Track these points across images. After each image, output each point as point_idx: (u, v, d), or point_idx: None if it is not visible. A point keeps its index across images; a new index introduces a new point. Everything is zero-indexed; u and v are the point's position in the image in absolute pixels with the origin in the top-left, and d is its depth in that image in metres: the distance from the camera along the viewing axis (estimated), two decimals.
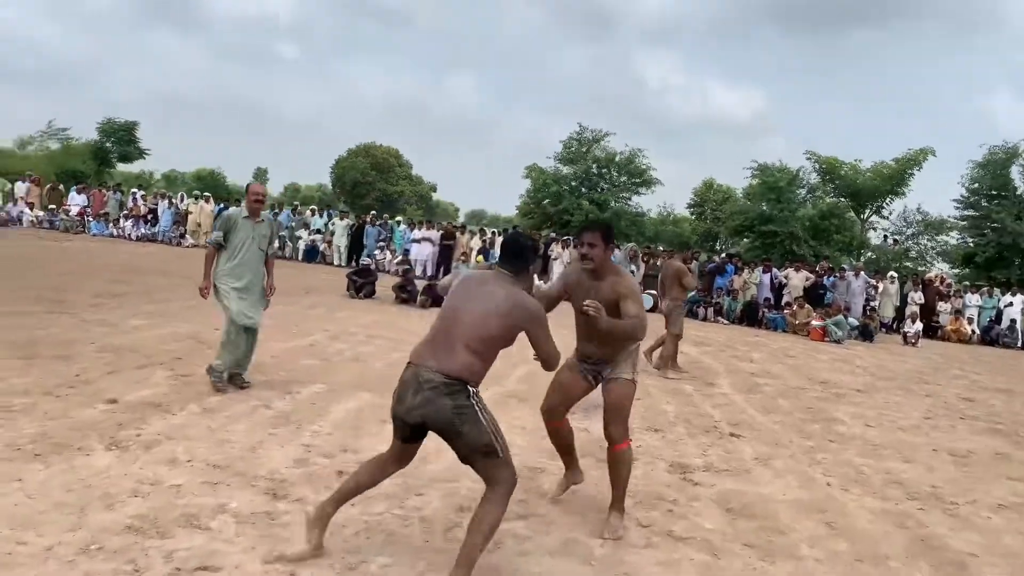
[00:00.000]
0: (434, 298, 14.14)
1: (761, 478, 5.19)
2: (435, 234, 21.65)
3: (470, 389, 3.10)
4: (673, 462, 5.36)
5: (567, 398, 4.17)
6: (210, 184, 64.60)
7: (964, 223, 30.15)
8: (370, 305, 13.51)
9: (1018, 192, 29.37)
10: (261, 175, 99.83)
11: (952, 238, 30.27)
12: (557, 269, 20.31)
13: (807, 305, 17.36)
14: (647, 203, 39.32)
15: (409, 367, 3.19)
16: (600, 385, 4.06)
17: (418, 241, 21.49)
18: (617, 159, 32.99)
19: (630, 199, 33.44)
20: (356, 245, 22.92)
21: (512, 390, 7.21)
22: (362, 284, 14.40)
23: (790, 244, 29.48)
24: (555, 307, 4.11)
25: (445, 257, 21.33)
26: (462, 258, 20.96)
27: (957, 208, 30.51)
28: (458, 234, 21.99)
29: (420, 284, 15.10)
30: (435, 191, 74.37)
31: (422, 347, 3.21)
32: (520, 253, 3.43)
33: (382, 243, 22.51)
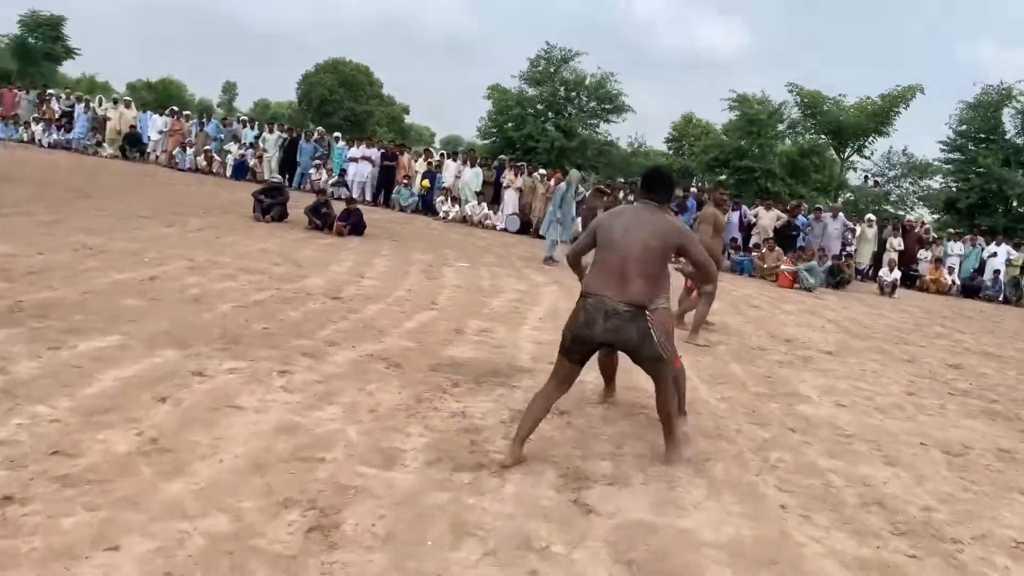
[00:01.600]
0: (354, 224, 12.45)
1: (688, 497, 3.70)
2: (375, 153, 19.68)
3: (647, 313, 3.74)
4: (568, 468, 3.85)
5: None
6: (163, 95, 61.09)
7: (949, 167, 28.81)
8: (274, 229, 11.76)
9: (1007, 136, 28.00)
10: (229, 89, 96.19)
11: (936, 182, 28.96)
12: (509, 197, 18.63)
13: (777, 248, 15.93)
14: (618, 132, 37.47)
15: (592, 297, 3.74)
16: None
17: (356, 160, 19.53)
18: (587, 82, 30.93)
19: (598, 126, 31.53)
20: (290, 162, 20.96)
21: (387, 348, 5.65)
22: (270, 205, 12.59)
23: (765, 181, 27.99)
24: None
25: (386, 179, 19.47)
26: (404, 181, 19.15)
27: (943, 151, 29.15)
28: (401, 155, 20.04)
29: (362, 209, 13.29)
30: (407, 113, 71.70)
31: (599, 279, 3.77)
32: (664, 183, 4.02)
33: (318, 161, 20.54)
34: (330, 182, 19.81)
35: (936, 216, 28.60)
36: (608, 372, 5.14)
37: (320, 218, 12.42)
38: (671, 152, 45.58)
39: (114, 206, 11.37)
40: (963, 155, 28.33)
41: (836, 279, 15.99)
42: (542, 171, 19.35)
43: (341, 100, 61.46)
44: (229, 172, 21.61)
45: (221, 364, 4.67)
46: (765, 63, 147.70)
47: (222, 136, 22.28)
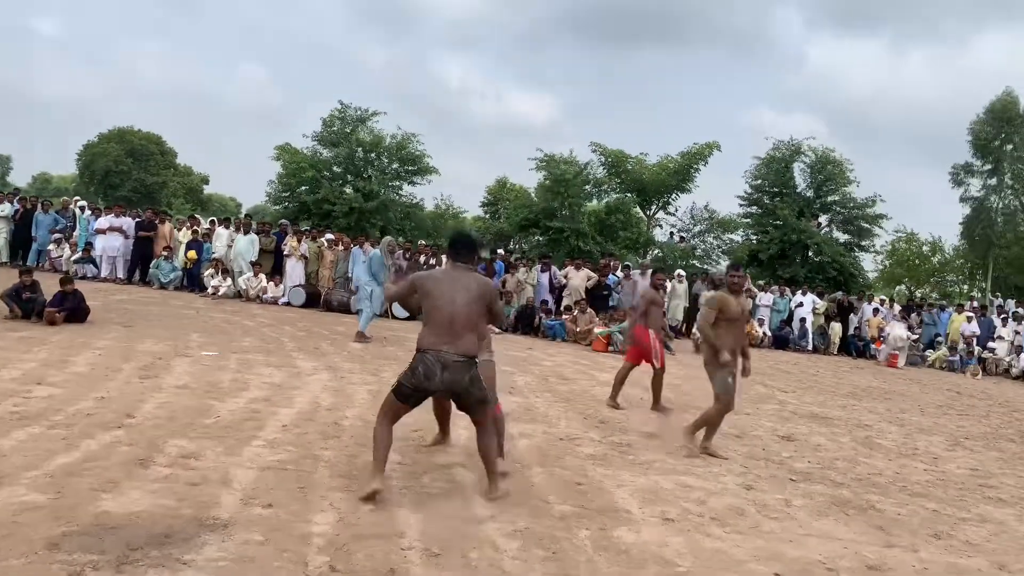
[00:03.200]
0: (71, 309, 10.04)
1: None
2: (127, 222, 16.99)
3: (475, 362, 4.50)
4: None
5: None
6: None
7: (748, 220, 30.05)
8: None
9: (798, 190, 29.68)
10: (3, 163, 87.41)
11: (738, 236, 30.05)
12: (292, 267, 16.67)
13: (590, 309, 15.04)
14: (425, 193, 36.36)
15: (430, 352, 4.37)
16: None
17: (103, 232, 16.77)
18: (387, 143, 29.63)
19: (401, 188, 30.18)
20: (23, 239, 17.80)
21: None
22: (30, 299, 9.95)
23: (576, 240, 27.74)
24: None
25: (141, 252, 16.82)
26: (165, 253, 16.62)
27: (741, 205, 30.40)
28: (162, 223, 17.49)
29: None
30: (207, 183, 67.65)
31: (434, 336, 4.40)
32: (470, 247, 4.75)
33: (59, 235, 17.56)
34: (73, 259, 16.95)
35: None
36: (442, 417, 5.67)
37: (23, 304, 9.88)
38: (487, 215, 45.28)
39: None
40: (760, 208, 29.67)
41: None
42: (329, 236, 17.57)
43: (129, 171, 57.53)
44: None
45: None
46: (577, 127, 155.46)
47: None
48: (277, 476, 4.64)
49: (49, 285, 10.47)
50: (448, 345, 4.34)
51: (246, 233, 16.95)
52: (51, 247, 17.56)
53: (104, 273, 16.71)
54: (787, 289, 19.81)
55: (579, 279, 16.04)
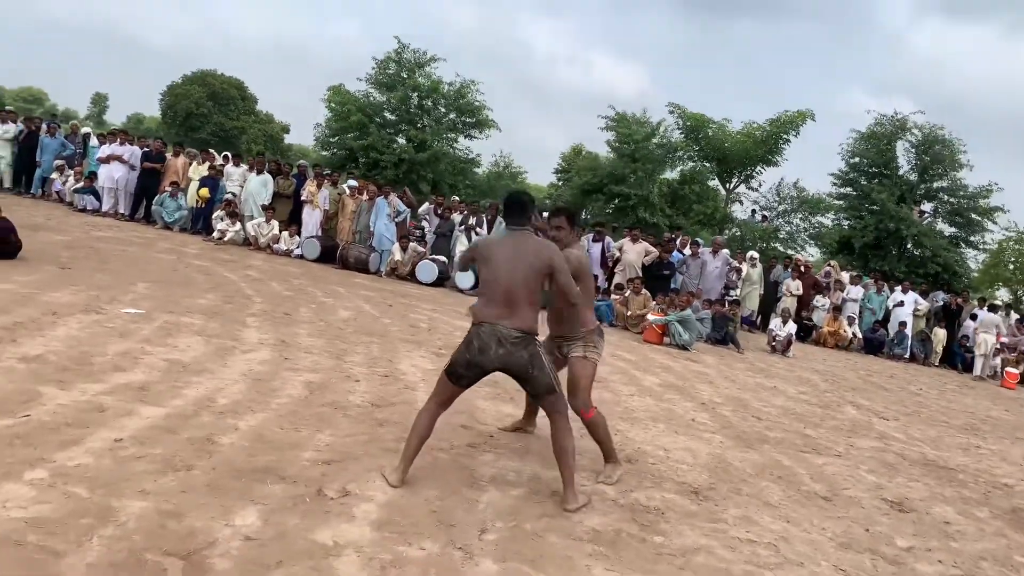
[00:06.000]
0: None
1: None
2: (130, 151, 15.20)
3: (536, 339, 4.02)
4: None
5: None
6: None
7: (841, 202, 26.92)
8: None
9: (900, 172, 26.35)
10: (99, 101, 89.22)
11: (828, 219, 26.95)
12: (308, 216, 14.75)
13: (644, 290, 12.67)
14: (481, 149, 34.30)
15: (484, 326, 3.93)
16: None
17: (106, 161, 15.06)
18: (444, 89, 27.45)
19: (456, 140, 28.01)
20: (27, 163, 16.32)
21: None
22: None
23: (643, 212, 25.20)
24: None
25: (146, 186, 15.07)
26: (169, 188, 14.87)
27: (834, 184, 27.27)
28: (176, 156, 15.70)
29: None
30: (287, 132, 67.24)
31: (489, 308, 3.97)
32: (522, 206, 4.19)
33: (60, 162, 16.02)
34: (73, 188, 15.37)
35: (827, 257, 26.53)
36: (532, 406, 5.20)
37: None
38: (559, 182, 42.94)
39: None
40: (856, 190, 26.52)
41: (722, 333, 12.89)
42: (351, 182, 15.54)
43: (209, 114, 57.51)
44: None
45: None
46: (666, 99, 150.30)
47: None
48: None
49: (52, 217, 8.70)
50: (505, 319, 3.94)
51: (260, 173, 15.04)
52: (54, 175, 16.03)
53: (105, 207, 15.06)
54: (885, 284, 16.97)
55: (634, 253, 13.61)
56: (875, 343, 15.85)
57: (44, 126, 16.57)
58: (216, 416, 4.48)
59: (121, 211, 15.14)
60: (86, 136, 17.21)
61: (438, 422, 4.12)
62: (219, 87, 59.57)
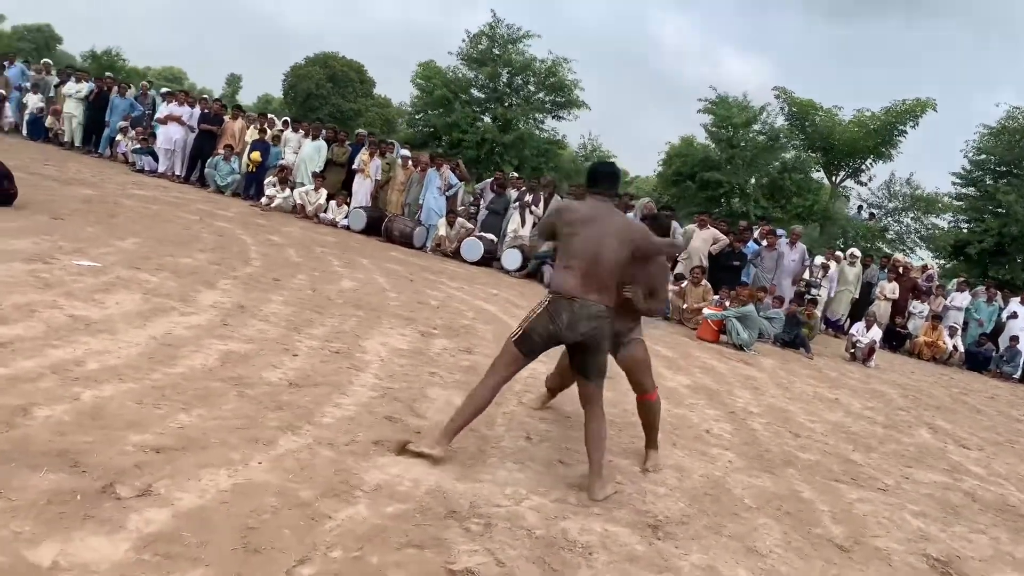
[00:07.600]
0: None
1: None
2: (188, 112, 14.98)
3: (611, 315, 3.86)
4: None
5: None
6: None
7: (960, 203, 24.37)
8: None
9: None
10: (234, 82, 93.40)
11: (944, 221, 24.48)
12: (359, 186, 14.14)
13: (705, 282, 11.39)
14: (568, 130, 33.20)
15: (573, 300, 3.72)
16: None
17: (164, 122, 14.87)
18: (535, 67, 26.48)
19: (544, 122, 27.01)
20: (97, 123, 16.41)
21: None
22: None
23: (739, 202, 23.56)
24: None
25: (202, 148, 14.82)
26: (222, 151, 14.56)
27: (955, 184, 24.70)
28: (234, 119, 15.40)
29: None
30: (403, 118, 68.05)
31: (570, 279, 3.75)
32: (610, 176, 3.99)
33: (124, 123, 16.01)
34: (131, 148, 15.30)
35: (940, 262, 24.10)
36: (563, 382, 4.96)
37: None
38: (654, 172, 41.35)
39: None
40: (979, 190, 23.93)
41: (793, 334, 11.48)
42: (404, 152, 14.81)
43: (328, 95, 58.89)
44: (25, 129, 17.15)
45: None
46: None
47: (27, 84, 17.70)
48: None
49: (101, 174, 8.32)
50: (593, 293, 3.73)
51: (314, 139, 14.53)
52: (118, 136, 16.05)
53: (162, 168, 14.92)
54: (997, 293, 14.94)
55: (700, 240, 12.28)
56: (980, 358, 13.91)
57: (116, 87, 16.62)
58: (64, 383, 3.72)
59: (177, 172, 14.95)
60: (159, 97, 17.18)
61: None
62: (339, 69, 60.43)
